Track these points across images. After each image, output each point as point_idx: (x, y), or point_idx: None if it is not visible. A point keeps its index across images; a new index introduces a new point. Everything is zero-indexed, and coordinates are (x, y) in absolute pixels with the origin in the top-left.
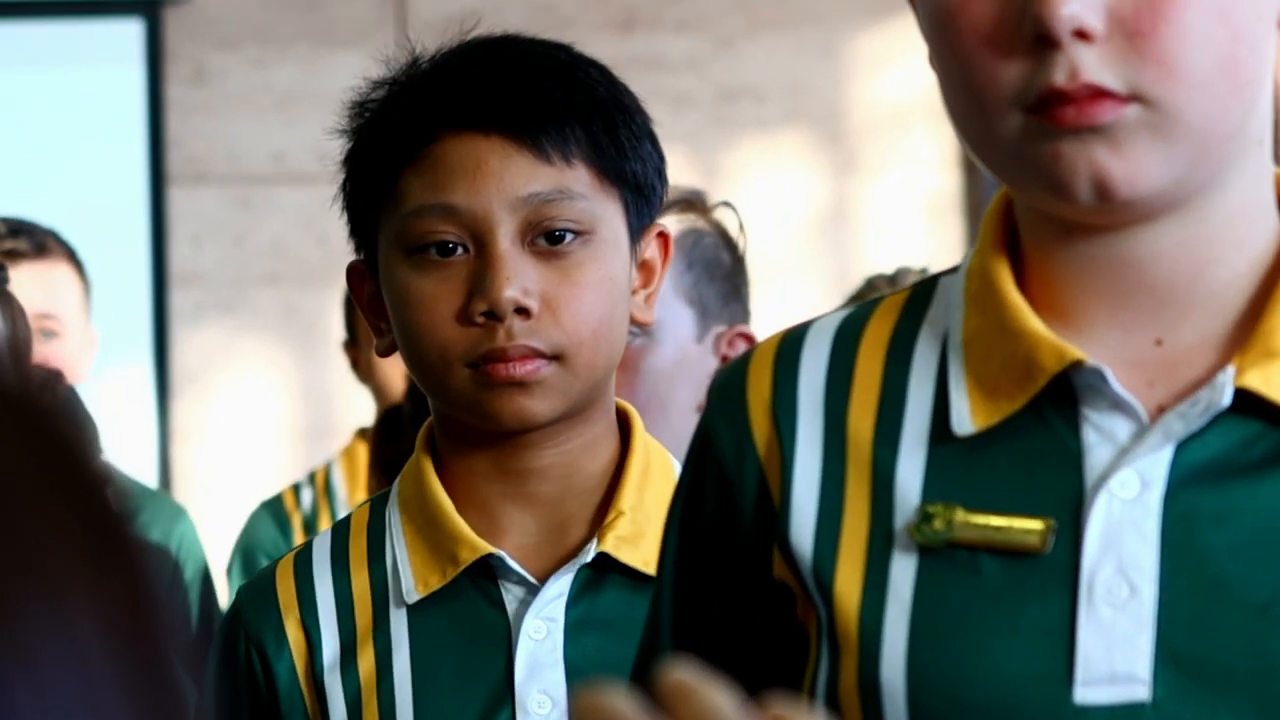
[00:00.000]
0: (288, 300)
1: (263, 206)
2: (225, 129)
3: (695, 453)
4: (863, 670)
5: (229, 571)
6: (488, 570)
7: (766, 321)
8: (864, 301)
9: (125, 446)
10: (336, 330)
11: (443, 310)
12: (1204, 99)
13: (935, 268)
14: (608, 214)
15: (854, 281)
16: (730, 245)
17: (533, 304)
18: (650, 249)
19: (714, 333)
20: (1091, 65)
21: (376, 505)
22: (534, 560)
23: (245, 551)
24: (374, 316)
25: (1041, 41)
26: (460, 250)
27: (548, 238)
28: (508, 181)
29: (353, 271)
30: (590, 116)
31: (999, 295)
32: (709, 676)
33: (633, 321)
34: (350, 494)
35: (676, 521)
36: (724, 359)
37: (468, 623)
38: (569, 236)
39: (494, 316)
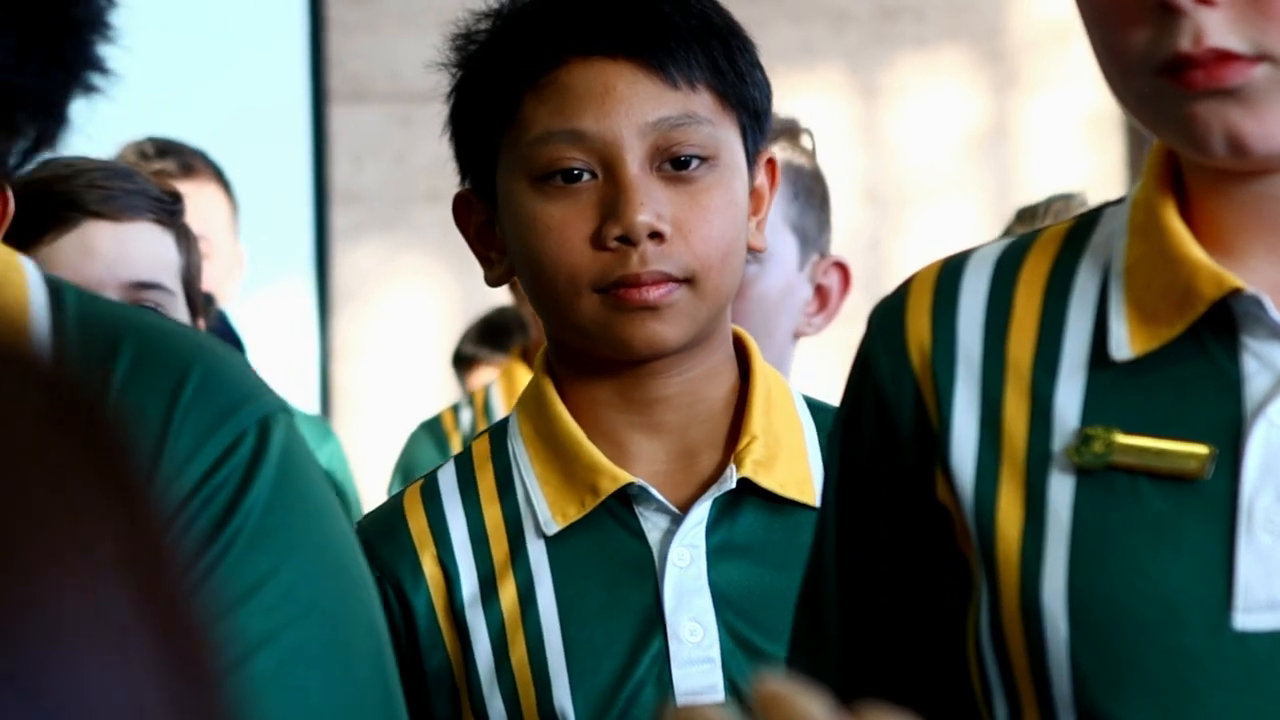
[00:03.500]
0: (448, 218)
1: (423, 125)
2: (386, 47)
3: (854, 381)
4: (1024, 593)
5: (389, 491)
6: (624, 499)
7: (925, 237)
8: (1024, 233)
9: (286, 363)
10: None
11: (573, 236)
12: None
13: (1094, 187)
14: (729, 139)
15: (1013, 200)
16: (820, 175)
17: (666, 228)
18: (760, 176)
19: (811, 261)
20: (1216, 29)
21: (496, 436)
22: (668, 488)
23: (406, 472)
24: (483, 247)
25: (1165, 7)
26: (588, 176)
27: (674, 163)
28: (636, 106)
29: (460, 201)
30: (709, 41)
31: (1162, 224)
32: (800, 684)
33: (747, 248)
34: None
35: (838, 451)
36: (819, 287)
37: (610, 552)
38: (695, 162)
39: (628, 241)
